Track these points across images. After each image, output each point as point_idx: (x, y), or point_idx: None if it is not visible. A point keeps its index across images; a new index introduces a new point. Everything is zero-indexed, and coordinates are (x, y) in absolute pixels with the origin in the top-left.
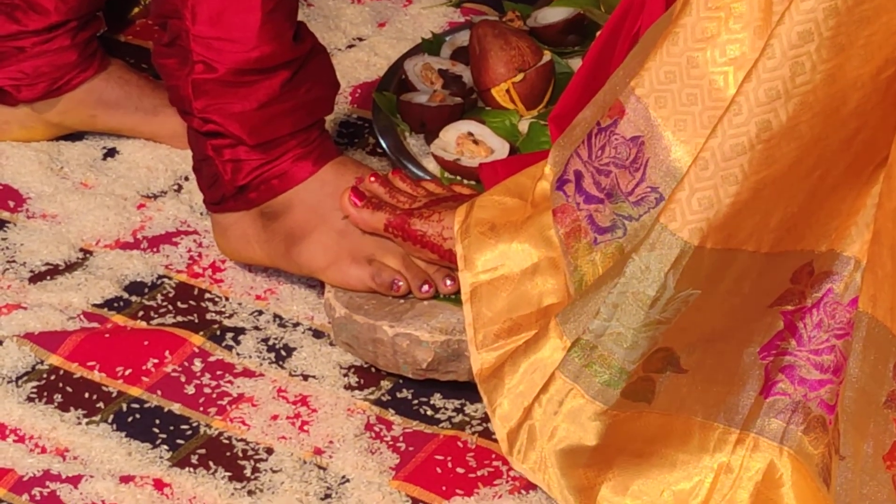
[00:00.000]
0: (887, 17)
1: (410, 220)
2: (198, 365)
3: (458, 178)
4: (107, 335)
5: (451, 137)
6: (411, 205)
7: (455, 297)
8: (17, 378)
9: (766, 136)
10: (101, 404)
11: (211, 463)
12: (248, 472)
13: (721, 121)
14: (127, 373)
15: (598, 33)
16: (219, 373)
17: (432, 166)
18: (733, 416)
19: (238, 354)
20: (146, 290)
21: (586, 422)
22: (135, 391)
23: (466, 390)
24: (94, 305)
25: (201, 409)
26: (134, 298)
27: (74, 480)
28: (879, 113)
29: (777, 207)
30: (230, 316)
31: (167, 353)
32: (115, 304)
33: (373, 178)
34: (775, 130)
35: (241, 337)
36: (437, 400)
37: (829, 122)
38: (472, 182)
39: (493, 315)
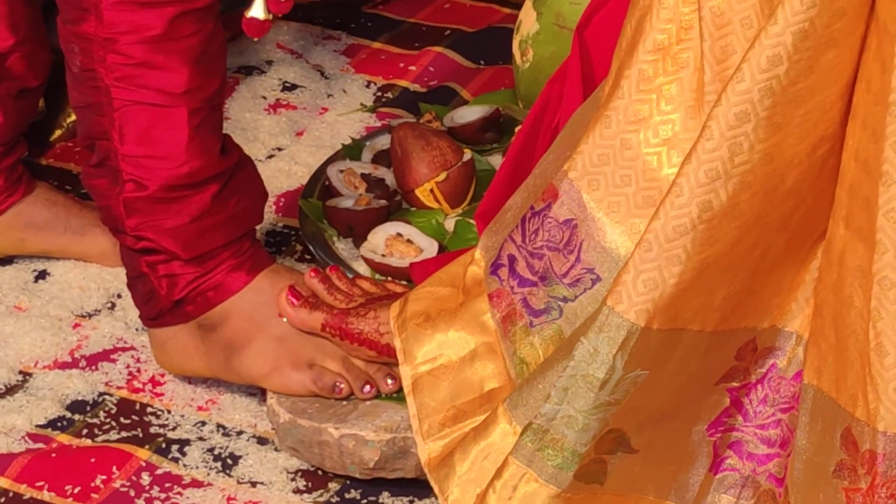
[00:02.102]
0: (821, 95)
1: (347, 319)
2: (146, 479)
3: (390, 278)
4: (53, 455)
5: (380, 239)
6: (348, 304)
7: (397, 395)
8: None
9: (708, 216)
10: None
11: None
12: None
13: (663, 203)
14: (76, 491)
15: (517, 129)
16: (167, 485)
17: (363, 269)
18: (684, 494)
19: (185, 466)
20: (88, 408)
21: None
22: None
23: (414, 487)
24: (38, 426)
25: None
26: (77, 417)
27: None
28: (816, 189)
29: (720, 286)
30: (174, 428)
31: (114, 468)
32: (59, 424)
33: (312, 274)
34: (716, 210)
35: (186, 448)
36: (385, 498)
37: (768, 199)
38: (404, 282)
39: (437, 404)
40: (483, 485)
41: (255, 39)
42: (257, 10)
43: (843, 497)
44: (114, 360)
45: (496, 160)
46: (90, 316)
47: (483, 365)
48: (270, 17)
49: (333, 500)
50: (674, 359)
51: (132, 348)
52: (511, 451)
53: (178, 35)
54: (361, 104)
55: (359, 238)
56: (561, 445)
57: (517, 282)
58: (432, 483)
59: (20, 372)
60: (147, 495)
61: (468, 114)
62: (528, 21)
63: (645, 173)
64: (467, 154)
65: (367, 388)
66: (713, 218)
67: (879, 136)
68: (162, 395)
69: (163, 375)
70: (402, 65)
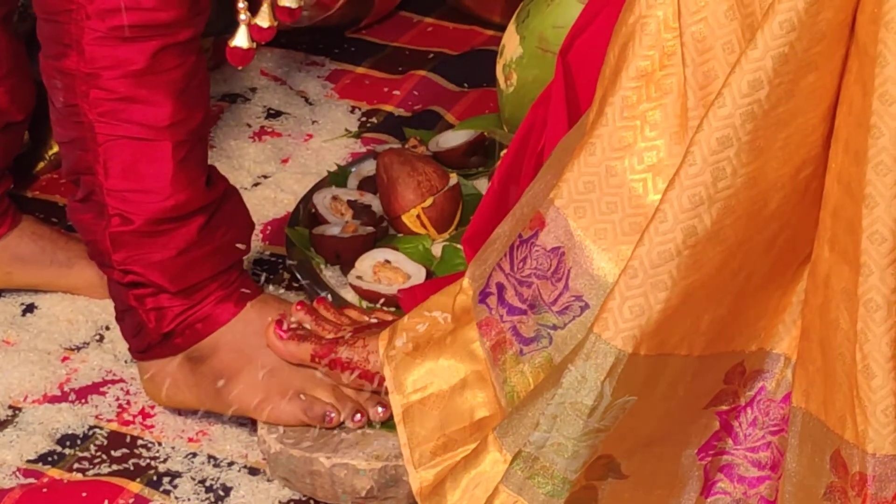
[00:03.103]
0: (803, 118)
1: (336, 349)
2: None
3: (378, 305)
4: (45, 490)
5: (368, 266)
6: (336, 334)
7: (388, 424)
8: None
9: (692, 241)
10: None
11: None
12: None
13: (647, 229)
14: None
15: (502, 153)
16: None
17: (351, 296)
18: None
19: (176, 498)
20: (79, 442)
21: None
22: None
23: None
24: (29, 461)
25: None
26: (67, 451)
27: None
28: (800, 212)
29: (706, 311)
30: (164, 460)
31: (106, 502)
32: (50, 458)
33: (299, 307)
34: (700, 236)
35: (177, 480)
36: None
37: (753, 223)
38: (393, 309)
39: (427, 433)
40: None
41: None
42: (241, 40)
43: None
44: (103, 393)
45: (482, 184)
46: (79, 349)
47: (473, 394)
48: (254, 45)
49: None
50: (662, 384)
51: (121, 381)
52: (501, 480)
53: (160, 69)
54: (346, 130)
55: (346, 265)
56: (551, 473)
57: (506, 310)
58: None
59: (10, 406)
60: None
61: (453, 138)
62: (511, 45)
63: (631, 200)
64: (453, 179)
65: (358, 416)
66: (698, 243)
67: (862, 159)
68: (152, 427)
69: (153, 407)
70: (386, 89)
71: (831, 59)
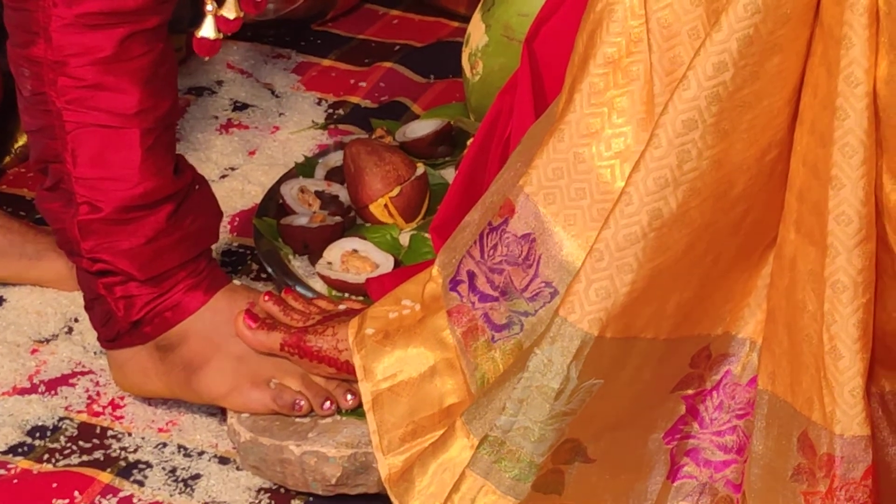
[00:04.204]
0: (768, 101)
1: (305, 338)
2: (108, 502)
3: (347, 294)
4: (15, 481)
5: (336, 256)
6: (305, 322)
7: (357, 411)
8: None
9: (658, 223)
10: None
11: None
12: None
13: (613, 211)
14: None
15: (469, 142)
16: None
17: (319, 286)
18: (642, 502)
19: (147, 488)
20: (49, 433)
21: None
22: None
23: (377, 502)
24: None
25: None
26: (38, 442)
27: None
28: (766, 195)
29: (672, 294)
30: (135, 450)
31: (76, 493)
32: (20, 450)
33: (267, 298)
34: (666, 218)
35: (147, 471)
36: None
37: (718, 206)
38: (361, 297)
39: (396, 420)
40: (443, 498)
41: (206, 59)
42: (207, 30)
43: (802, 501)
44: (73, 385)
45: (449, 173)
46: (48, 341)
47: (442, 381)
48: (221, 36)
49: None
50: (628, 367)
51: (91, 372)
52: (468, 464)
53: (128, 56)
54: (313, 122)
55: (314, 255)
56: (518, 457)
57: (478, 297)
58: (392, 498)
59: None
60: None
61: (420, 128)
62: (476, 34)
63: (599, 186)
64: (420, 168)
65: (328, 404)
66: (663, 226)
67: (827, 141)
68: (122, 417)
69: (122, 398)
70: (352, 81)
71: (796, 42)
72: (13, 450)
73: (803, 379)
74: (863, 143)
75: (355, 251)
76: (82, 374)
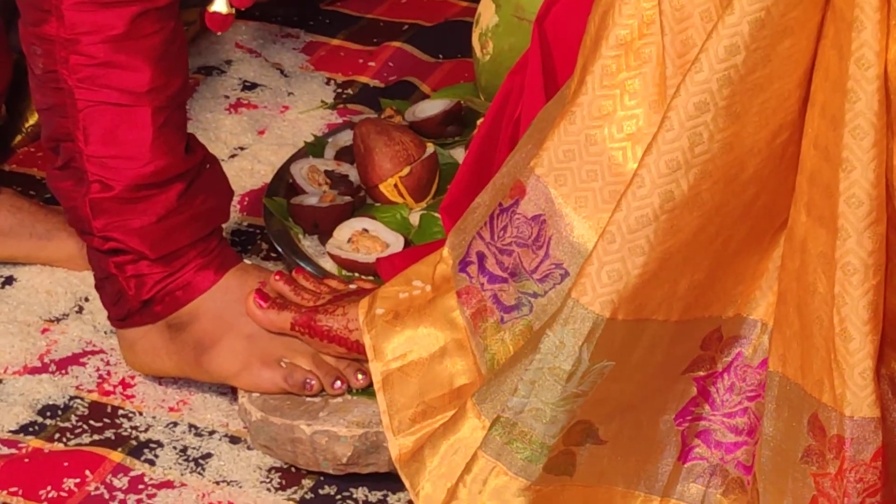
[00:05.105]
0: (779, 83)
1: (316, 317)
2: (119, 481)
3: (357, 274)
4: (26, 460)
5: (346, 235)
6: (315, 302)
7: (368, 391)
8: None
9: (670, 206)
10: None
11: None
12: None
13: (625, 194)
14: (51, 495)
15: (478, 121)
16: (140, 487)
17: (329, 265)
18: (653, 484)
19: (158, 467)
20: (60, 412)
21: (511, 498)
22: None
23: (388, 481)
24: (10, 432)
25: None
26: (49, 422)
27: None
28: (777, 177)
29: (684, 276)
30: (145, 430)
31: (87, 472)
32: (31, 429)
33: (277, 277)
34: (678, 200)
35: (158, 450)
36: (359, 493)
37: (729, 188)
38: (371, 277)
39: (407, 400)
40: (454, 479)
41: (218, 34)
42: (220, 5)
43: (812, 482)
44: (83, 364)
45: (459, 153)
46: (58, 320)
47: (453, 361)
48: (233, 11)
49: (308, 497)
50: (639, 349)
51: (101, 351)
52: (480, 445)
53: (139, 34)
54: (322, 101)
55: (324, 235)
56: (529, 438)
57: (487, 278)
58: (403, 478)
59: None
60: (121, 497)
61: (429, 108)
62: (487, 14)
63: (611, 168)
64: (430, 148)
65: (338, 384)
66: (675, 208)
67: (839, 123)
68: (133, 397)
69: (133, 378)
70: (361, 61)
71: (807, 24)
72: (24, 429)
73: (814, 361)
74: (873, 125)
75: (365, 231)
76: (93, 353)
